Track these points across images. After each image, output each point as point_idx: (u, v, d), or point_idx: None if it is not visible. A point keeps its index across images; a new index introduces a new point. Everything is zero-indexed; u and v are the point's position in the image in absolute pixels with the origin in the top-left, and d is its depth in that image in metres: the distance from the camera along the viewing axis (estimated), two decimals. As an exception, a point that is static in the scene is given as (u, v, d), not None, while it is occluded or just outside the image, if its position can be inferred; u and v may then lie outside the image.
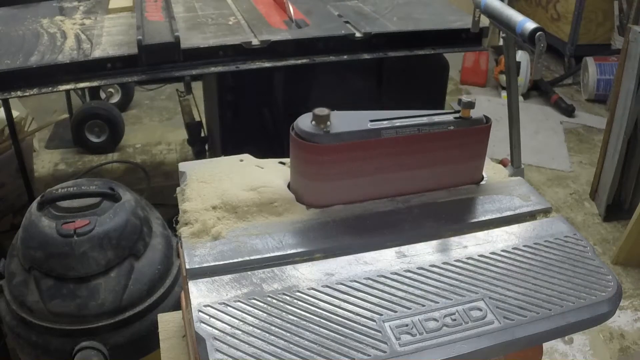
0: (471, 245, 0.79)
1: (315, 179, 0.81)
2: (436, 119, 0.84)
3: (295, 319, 0.66)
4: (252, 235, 0.79)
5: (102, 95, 3.43)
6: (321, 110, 0.80)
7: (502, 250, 0.78)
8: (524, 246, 0.80)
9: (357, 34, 1.79)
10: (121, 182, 1.55)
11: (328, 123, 0.80)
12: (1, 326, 1.49)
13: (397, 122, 0.82)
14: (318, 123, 0.80)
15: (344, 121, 0.81)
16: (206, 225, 0.80)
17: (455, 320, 0.67)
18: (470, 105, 0.84)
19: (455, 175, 0.90)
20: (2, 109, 2.13)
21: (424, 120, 0.83)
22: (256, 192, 0.85)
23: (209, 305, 0.67)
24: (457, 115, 0.85)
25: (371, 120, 0.82)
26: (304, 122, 0.80)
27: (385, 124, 0.82)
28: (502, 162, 1.08)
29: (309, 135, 0.79)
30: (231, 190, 0.85)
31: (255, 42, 1.71)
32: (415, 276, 0.73)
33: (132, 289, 1.38)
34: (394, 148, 0.82)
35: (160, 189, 2.78)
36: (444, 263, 0.76)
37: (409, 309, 0.68)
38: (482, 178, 0.94)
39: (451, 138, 0.85)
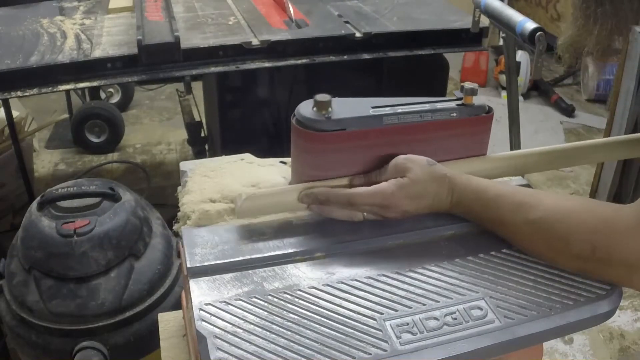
0: (472, 244, 0.80)
1: (316, 167, 0.81)
2: (438, 105, 0.84)
3: (296, 317, 0.66)
4: (252, 233, 0.79)
5: (102, 95, 3.43)
6: (322, 97, 0.79)
7: (503, 250, 0.79)
8: (525, 245, 0.80)
9: (357, 34, 1.79)
10: (121, 182, 1.55)
11: (329, 109, 0.79)
12: (1, 326, 1.49)
13: (399, 109, 0.82)
14: (319, 109, 0.79)
15: (346, 107, 0.81)
16: (206, 214, 0.81)
17: (456, 319, 0.67)
18: (473, 92, 0.84)
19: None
20: (2, 109, 2.13)
21: (426, 106, 0.83)
22: (257, 189, 0.85)
23: (209, 304, 0.67)
24: (459, 102, 0.85)
25: (373, 107, 0.82)
26: (305, 108, 0.80)
27: (387, 110, 0.82)
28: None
29: (310, 122, 0.79)
30: (232, 185, 0.85)
31: (255, 42, 1.71)
32: (416, 275, 0.73)
33: (132, 289, 1.38)
34: (396, 135, 0.82)
35: (160, 189, 2.78)
36: (445, 262, 0.76)
37: (410, 307, 0.68)
38: (483, 177, 0.94)
39: (453, 126, 0.85)
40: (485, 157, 0.90)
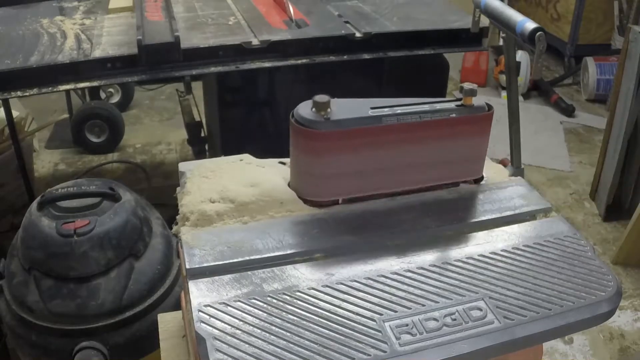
0: (471, 245, 0.80)
1: (315, 168, 0.81)
2: (438, 106, 0.84)
3: (295, 318, 0.66)
4: (252, 234, 0.79)
5: (102, 95, 3.43)
6: (321, 97, 0.79)
7: (502, 250, 0.78)
8: (524, 246, 0.80)
9: (357, 34, 1.79)
10: (121, 182, 1.55)
11: (328, 110, 0.79)
12: (1, 326, 1.49)
13: (398, 110, 0.82)
14: (318, 110, 0.79)
15: (345, 108, 0.81)
16: (204, 215, 0.81)
17: (455, 320, 0.68)
18: (472, 92, 0.84)
19: (457, 167, 0.89)
20: (2, 109, 2.13)
21: (426, 107, 0.83)
22: (256, 190, 0.85)
23: (209, 305, 0.67)
24: (458, 103, 0.85)
25: (372, 108, 0.82)
26: (304, 109, 0.80)
27: (386, 111, 0.82)
28: (502, 162, 1.08)
29: (309, 122, 0.79)
30: (231, 186, 0.85)
31: (255, 42, 1.71)
32: (415, 276, 0.73)
33: (132, 289, 1.38)
34: (395, 135, 0.82)
35: (160, 189, 2.78)
36: (444, 263, 0.76)
37: (409, 308, 0.68)
38: (482, 178, 0.94)
39: (452, 125, 0.85)
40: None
